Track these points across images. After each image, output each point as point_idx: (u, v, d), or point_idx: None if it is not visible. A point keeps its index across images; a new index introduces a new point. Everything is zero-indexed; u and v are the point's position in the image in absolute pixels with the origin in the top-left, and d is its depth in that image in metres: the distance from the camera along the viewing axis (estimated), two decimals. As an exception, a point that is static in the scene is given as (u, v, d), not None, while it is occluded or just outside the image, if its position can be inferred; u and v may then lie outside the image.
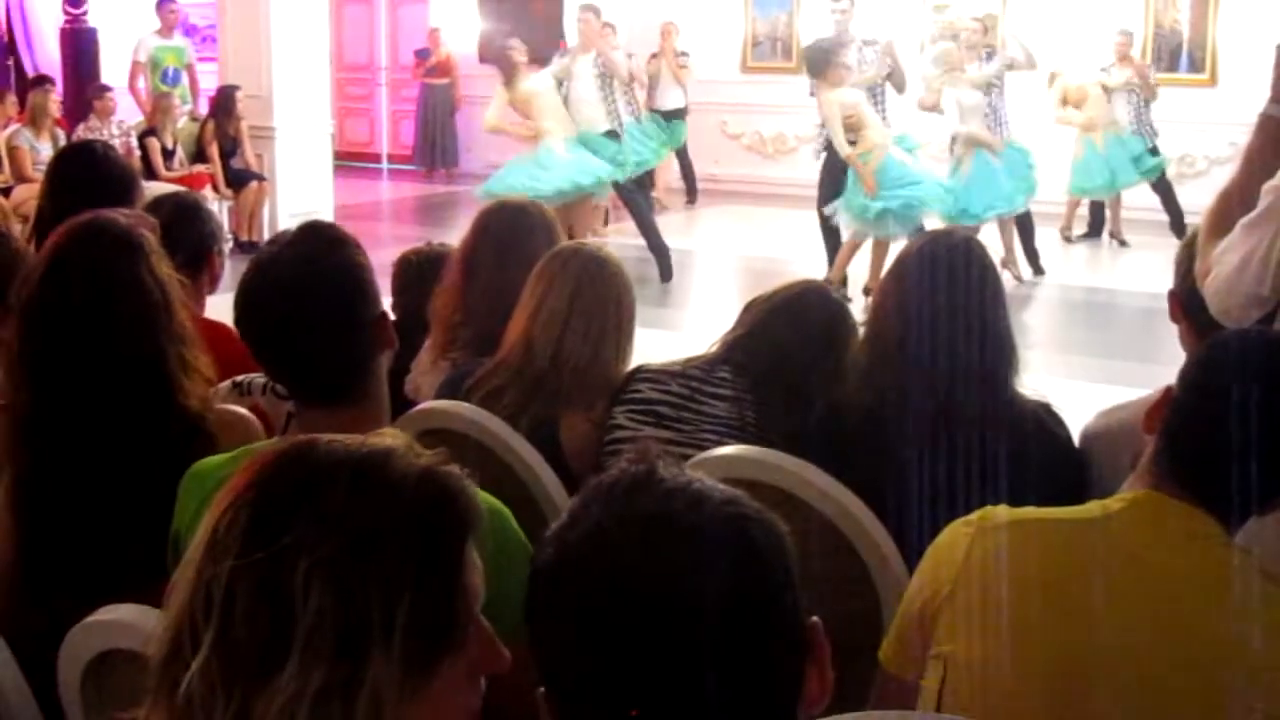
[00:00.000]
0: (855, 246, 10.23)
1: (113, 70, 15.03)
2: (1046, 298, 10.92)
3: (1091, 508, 2.02)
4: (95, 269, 2.65)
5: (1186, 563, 1.91)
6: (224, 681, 1.33)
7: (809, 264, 10.26)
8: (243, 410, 2.76)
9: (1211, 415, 1.93)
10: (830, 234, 10.49)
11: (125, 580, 2.40)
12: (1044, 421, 2.99)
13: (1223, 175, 2.72)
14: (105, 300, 2.63)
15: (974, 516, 2.01)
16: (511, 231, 3.63)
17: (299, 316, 2.30)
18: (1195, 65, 14.53)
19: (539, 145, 10.70)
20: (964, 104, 10.88)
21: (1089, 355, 8.67)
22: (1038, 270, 11.38)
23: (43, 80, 12.84)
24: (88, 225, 2.73)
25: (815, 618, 1.33)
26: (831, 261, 10.41)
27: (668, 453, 1.37)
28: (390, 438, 1.47)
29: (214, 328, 3.66)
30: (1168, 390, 2.04)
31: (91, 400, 2.60)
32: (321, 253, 2.35)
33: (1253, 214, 2.29)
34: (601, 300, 3.23)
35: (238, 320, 2.38)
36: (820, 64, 10.14)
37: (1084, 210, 13.41)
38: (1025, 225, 11.29)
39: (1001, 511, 2.00)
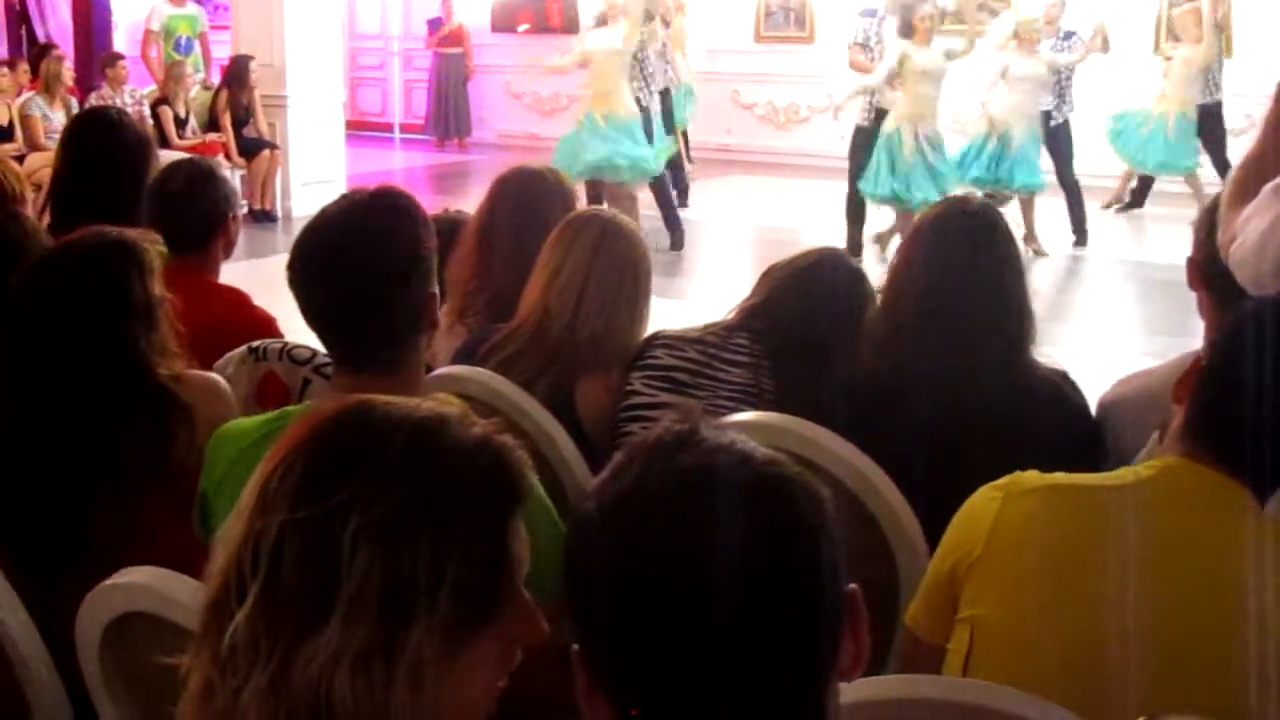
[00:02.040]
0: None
1: (125, 38, 15.03)
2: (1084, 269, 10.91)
3: (1123, 473, 2.01)
4: (86, 261, 2.68)
5: (1216, 531, 1.91)
6: (267, 633, 1.34)
7: (822, 233, 10.22)
8: (209, 375, 2.79)
9: (1242, 384, 1.92)
10: (855, 210, 10.47)
11: (102, 546, 2.44)
12: (1060, 389, 2.98)
13: (1240, 146, 2.70)
14: (90, 297, 2.65)
15: (1003, 481, 2.00)
16: (528, 197, 3.63)
17: (357, 278, 2.28)
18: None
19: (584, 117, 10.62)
20: (1014, 74, 10.80)
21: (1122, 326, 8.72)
22: (1081, 241, 11.32)
23: (53, 48, 12.81)
24: (95, 233, 2.77)
25: (853, 585, 1.31)
26: (852, 236, 10.37)
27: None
28: (446, 404, 1.47)
29: (230, 293, 3.67)
30: (1197, 359, 2.03)
31: (65, 383, 2.62)
32: (393, 221, 2.33)
33: (1277, 180, 2.28)
34: (618, 267, 3.22)
35: (291, 266, 2.33)
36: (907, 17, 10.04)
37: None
38: (1074, 196, 11.28)
39: (1031, 476, 1.99)
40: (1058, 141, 11.36)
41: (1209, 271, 2.74)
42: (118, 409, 2.61)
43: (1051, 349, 3.20)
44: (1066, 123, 11.47)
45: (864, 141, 10.29)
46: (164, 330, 2.72)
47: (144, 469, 2.58)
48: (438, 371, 3.19)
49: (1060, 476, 1.99)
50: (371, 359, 2.32)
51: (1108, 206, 12.82)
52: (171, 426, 2.61)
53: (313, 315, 2.36)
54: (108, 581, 2.03)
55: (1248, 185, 2.47)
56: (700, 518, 1.24)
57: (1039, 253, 10.70)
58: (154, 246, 2.84)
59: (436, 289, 2.39)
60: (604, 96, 10.52)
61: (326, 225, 2.32)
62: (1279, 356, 1.90)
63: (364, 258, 2.28)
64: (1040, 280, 9.77)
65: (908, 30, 9.97)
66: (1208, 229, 2.74)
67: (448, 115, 18.59)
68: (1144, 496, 1.93)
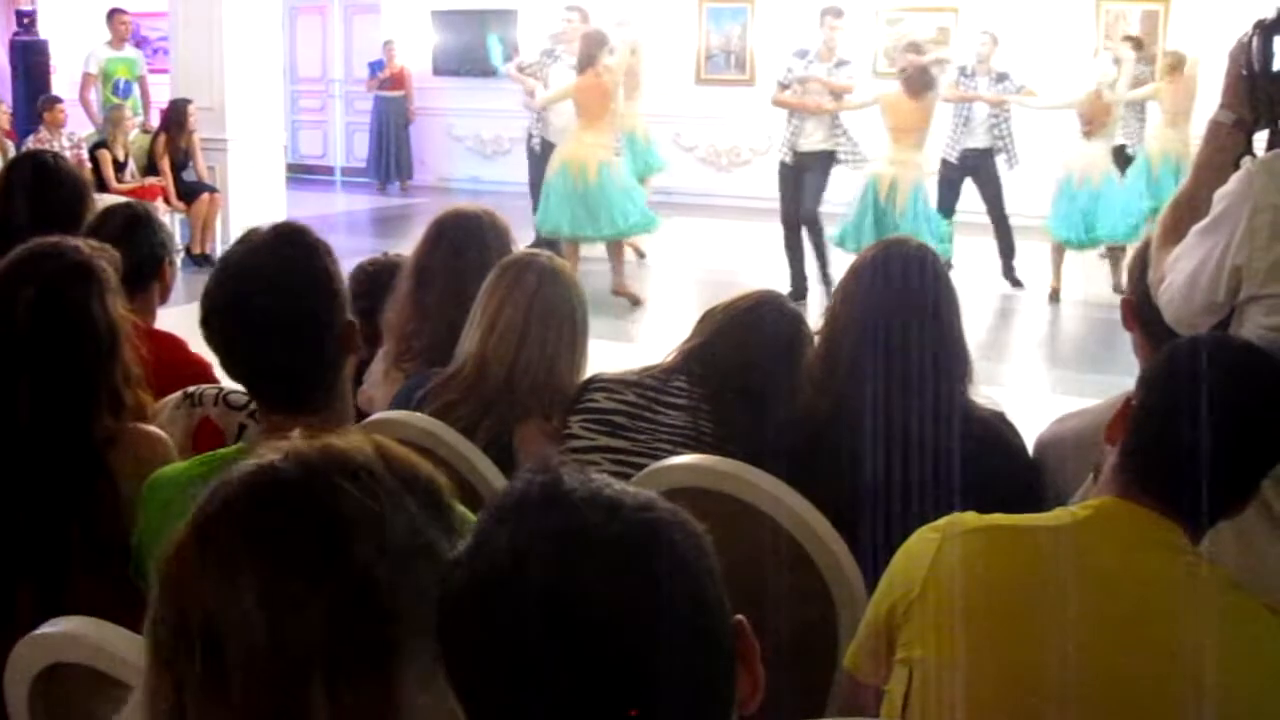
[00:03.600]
0: None
1: (63, 82, 14.93)
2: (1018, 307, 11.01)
3: (1059, 514, 2.02)
4: (45, 290, 2.62)
5: (1152, 571, 1.92)
6: None
7: (763, 276, 10.29)
8: (153, 430, 2.72)
9: (1173, 422, 1.93)
10: (794, 249, 10.57)
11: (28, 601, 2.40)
12: (997, 429, 3.00)
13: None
14: (47, 323, 2.60)
15: (941, 522, 2.01)
16: (464, 240, 3.61)
17: (274, 321, 2.27)
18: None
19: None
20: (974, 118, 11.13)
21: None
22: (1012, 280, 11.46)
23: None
24: (48, 247, 2.71)
25: (739, 616, 1.29)
26: (794, 276, 10.46)
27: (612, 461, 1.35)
28: (359, 440, 1.46)
29: (165, 338, 3.63)
30: (1127, 399, 2.04)
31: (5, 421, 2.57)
32: (298, 257, 2.32)
33: (1205, 221, 2.31)
34: (556, 312, 3.21)
35: (205, 322, 2.33)
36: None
37: None
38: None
39: (969, 518, 2.00)
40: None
41: (1143, 311, 2.77)
42: (49, 475, 2.55)
43: (989, 388, 3.21)
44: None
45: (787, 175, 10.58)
46: (125, 357, 2.66)
47: (73, 544, 2.52)
48: (375, 416, 3.18)
49: (998, 518, 2.00)
50: (301, 397, 2.31)
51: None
52: (100, 493, 2.54)
53: (235, 363, 2.36)
54: (35, 632, 2.00)
55: (1178, 226, 2.50)
56: (580, 580, 1.21)
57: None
58: (109, 256, 2.80)
59: (353, 317, 2.38)
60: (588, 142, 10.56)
61: (233, 273, 2.32)
62: (1208, 394, 1.92)
63: (277, 299, 2.27)
64: (976, 319, 9.86)
65: None
66: (1141, 269, 2.77)
67: (389, 158, 18.58)
68: (1080, 537, 1.93)
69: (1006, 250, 11.41)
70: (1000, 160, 11.51)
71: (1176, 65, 12.43)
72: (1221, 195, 2.34)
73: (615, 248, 10.63)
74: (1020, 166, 11.72)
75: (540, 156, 11.27)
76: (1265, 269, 2.21)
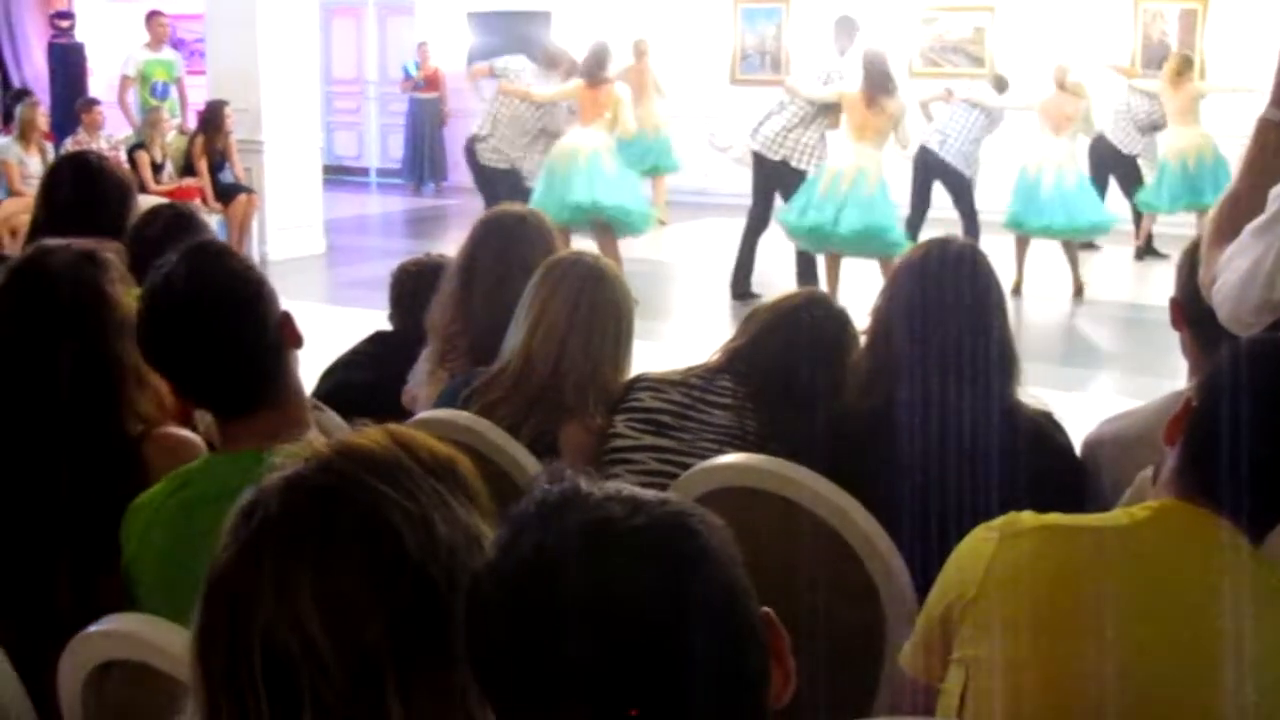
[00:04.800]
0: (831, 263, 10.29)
1: (101, 84, 15.02)
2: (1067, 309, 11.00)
3: (1118, 515, 2.01)
4: (59, 275, 2.66)
5: (1211, 574, 1.90)
6: None
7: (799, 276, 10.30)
8: (184, 434, 2.71)
9: (1234, 424, 1.92)
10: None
11: (62, 606, 2.40)
12: (1045, 429, 2.98)
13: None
14: (69, 303, 2.64)
15: (998, 522, 2.00)
16: (509, 241, 3.62)
17: (203, 330, 2.32)
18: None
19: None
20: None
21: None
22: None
23: (27, 93, 12.80)
24: (52, 244, 2.77)
25: (766, 608, 1.29)
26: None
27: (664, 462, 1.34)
28: (378, 436, 1.46)
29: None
30: (1187, 401, 2.03)
31: (32, 422, 2.59)
32: (211, 266, 2.37)
33: (1261, 219, 2.29)
34: (601, 311, 3.22)
35: (143, 349, 2.41)
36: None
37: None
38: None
39: (1026, 517, 1.99)
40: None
41: (1191, 311, 2.75)
42: (81, 470, 2.55)
43: (1036, 388, 3.20)
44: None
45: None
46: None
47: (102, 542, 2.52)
48: (420, 415, 3.18)
49: (1055, 518, 1.99)
50: (248, 398, 2.33)
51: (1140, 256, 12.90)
52: (137, 484, 2.51)
53: (180, 380, 2.40)
54: (90, 629, 2.01)
55: (1230, 225, 2.48)
56: (608, 574, 1.21)
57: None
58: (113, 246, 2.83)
59: (285, 309, 2.41)
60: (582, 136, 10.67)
61: (150, 300, 2.37)
62: (1269, 396, 1.90)
63: (202, 303, 2.32)
64: (1024, 320, 9.85)
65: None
66: (1189, 269, 2.75)
67: (423, 160, 18.62)
68: (1139, 539, 1.92)
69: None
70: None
71: (1182, 69, 12.44)
72: (1277, 194, 2.32)
73: (608, 244, 10.65)
74: (989, 164, 11.85)
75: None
76: None
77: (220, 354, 2.31)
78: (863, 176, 9.90)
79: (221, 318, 2.32)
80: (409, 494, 1.38)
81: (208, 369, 2.33)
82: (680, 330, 9.64)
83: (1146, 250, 12.86)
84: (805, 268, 10.47)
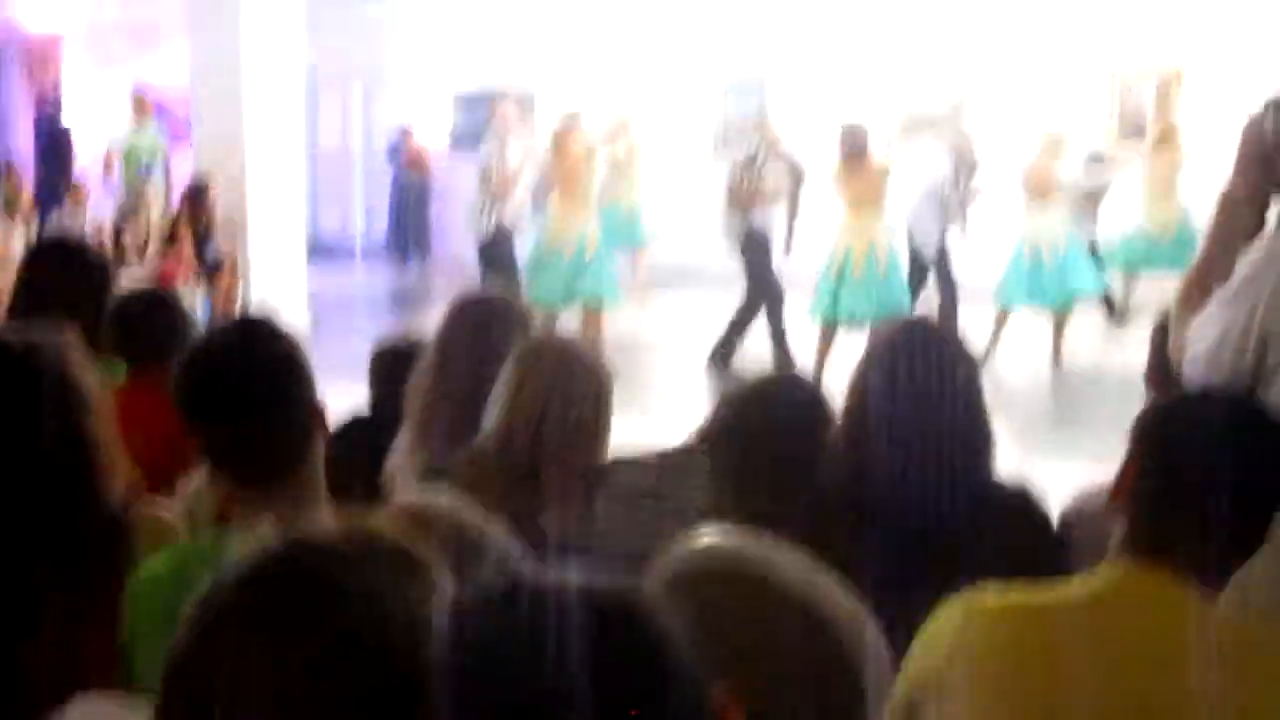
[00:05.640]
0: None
1: (86, 161, 15.08)
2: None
3: (1074, 585, 2.02)
4: (24, 357, 2.64)
5: (1170, 634, 1.92)
6: None
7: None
8: (160, 509, 2.75)
9: (1174, 480, 1.94)
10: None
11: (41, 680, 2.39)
12: (1022, 507, 2.99)
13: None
14: (36, 386, 2.62)
15: (961, 600, 2.00)
16: (485, 321, 3.63)
17: (246, 396, 2.42)
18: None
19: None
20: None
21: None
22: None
23: (12, 168, 12.85)
24: (18, 326, 2.86)
25: (723, 692, 1.29)
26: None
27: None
28: (336, 521, 1.47)
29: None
30: (1128, 463, 2.05)
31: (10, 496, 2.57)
32: (260, 338, 2.48)
33: (1227, 289, 2.32)
34: (579, 391, 3.22)
35: (178, 402, 2.47)
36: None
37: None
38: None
39: (989, 595, 2.00)
40: None
41: (1165, 380, 2.78)
42: (65, 547, 2.52)
43: (1014, 455, 3.21)
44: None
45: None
46: (107, 421, 2.66)
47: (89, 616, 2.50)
48: (399, 498, 3.17)
49: (1015, 595, 2.00)
50: (272, 470, 2.41)
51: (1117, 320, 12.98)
52: (120, 569, 2.50)
53: (209, 441, 2.47)
54: (61, 710, 2.00)
55: (1199, 293, 2.51)
56: (563, 660, 1.20)
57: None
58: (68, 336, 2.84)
59: (319, 399, 2.50)
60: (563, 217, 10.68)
61: (201, 355, 2.50)
62: (1209, 450, 1.92)
63: (244, 372, 2.42)
64: (1001, 387, 9.88)
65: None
66: (1161, 340, 2.78)
67: (409, 234, 18.69)
68: (1095, 608, 1.94)
69: (949, 308, 11.42)
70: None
71: (1167, 137, 12.60)
72: (1245, 264, 2.35)
73: (590, 319, 10.75)
74: (973, 233, 11.96)
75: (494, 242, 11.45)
76: None
77: (256, 422, 2.41)
78: (873, 254, 10.02)
79: (266, 388, 2.43)
80: (366, 583, 1.38)
81: (241, 434, 2.42)
82: (663, 405, 9.64)
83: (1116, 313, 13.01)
84: (781, 354, 10.55)
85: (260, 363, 2.44)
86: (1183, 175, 12.43)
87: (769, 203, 10.77)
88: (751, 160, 10.85)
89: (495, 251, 11.38)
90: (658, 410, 9.27)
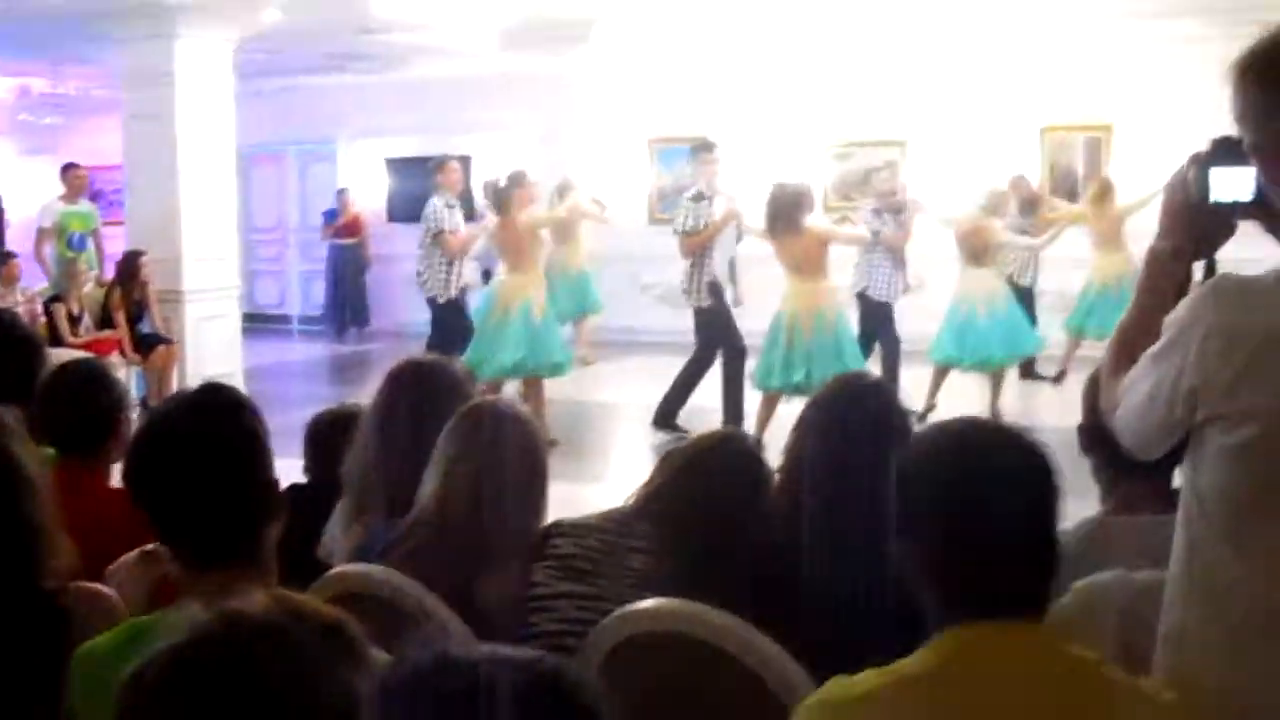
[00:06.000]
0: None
1: (18, 234, 14.97)
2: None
3: (914, 659, 2.05)
4: None
5: (1028, 684, 1.97)
6: None
7: (720, 413, 10.34)
8: (99, 588, 2.71)
9: (955, 526, 2.01)
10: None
11: None
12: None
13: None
14: None
15: (816, 698, 2.06)
16: (421, 390, 3.60)
17: (197, 476, 2.35)
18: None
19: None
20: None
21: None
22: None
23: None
24: None
25: None
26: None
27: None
28: (263, 599, 1.46)
29: (123, 494, 3.59)
30: (913, 541, 2.12)
31: None
32: (220, 415, 2.41)
33: (1157, 345, 2.34)
34: (515, 458, 3.20)
35: (132, 479, 2.42)
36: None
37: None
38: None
39: (834, 686, 2.04)
40: None
41: (1099, 438, 2.80)
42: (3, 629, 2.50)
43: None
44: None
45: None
46: (46, 501, 2.62)
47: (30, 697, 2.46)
48: (336, 569, 3.15)
49: (866, 677, 2.01)
50: (224, 550, 2.35)
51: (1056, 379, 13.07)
52: (61, 649, 2.46)
53: (163, 519, 2.42)
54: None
55: (1126, 353, 2.53)
56: None
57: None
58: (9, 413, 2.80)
59: (276, 477, 2.45)
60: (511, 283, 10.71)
61: (158, 433, 2.44)
62: (975, 484, 2.01)
63: (201, 451, 2.36)
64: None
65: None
66: (1093, 396, 2.80)
67: (345, 305, 18.64)
68: (937, 684, 1.98)
69: (892, 365, 11.42)
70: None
71: (1103, 193, 12.83)
72: (1172, 321, 2.37)
73: (533, 386, 10.71)
74: (911, 293, 12.01)
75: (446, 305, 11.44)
76: (1221, 388, 2.24)
77: (205, 500, 2.35)
78: (820, 320, 9.99)
79: (214, 464, 2.36)
80: (296, 659, 1.38)
81: (189, 513, 2.36)
82: (605, 471, 9.63)
83: (1052, 375, 13.12)
84: (733, 408, 10.52)
85: (220, 439, 2.38)
86: (1127, 228, 12.58)
87: (723, 233, 10.65)
88: (700, 195, 10.82)
89: (447, 315, 11.34)
90: (602, 474, 9.27)
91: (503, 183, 11.09)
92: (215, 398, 2.47)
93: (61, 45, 13.96)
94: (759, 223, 10.43)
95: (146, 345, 12.09)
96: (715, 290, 10.66)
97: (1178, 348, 2.30)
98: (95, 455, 3.62)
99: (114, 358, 11.11)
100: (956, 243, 11.41)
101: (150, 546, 3.08)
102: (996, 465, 2.06)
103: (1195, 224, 2.48)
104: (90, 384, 3.69)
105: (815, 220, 10.37)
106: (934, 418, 10.92)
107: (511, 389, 11.19)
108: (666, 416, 10.71)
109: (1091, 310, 12.87)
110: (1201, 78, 4.44)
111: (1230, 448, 2.22)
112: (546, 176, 14.38)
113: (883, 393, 3.08)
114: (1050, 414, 11.72)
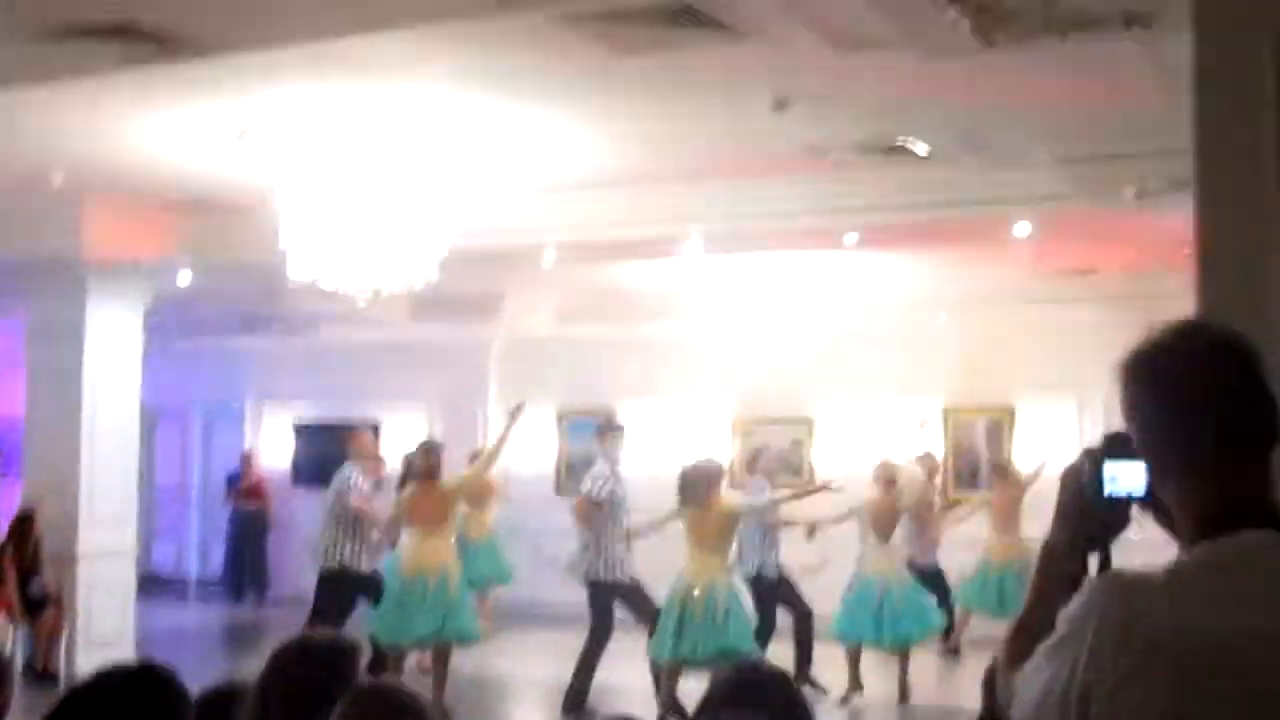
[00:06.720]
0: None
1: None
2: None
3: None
4: None
5: None
6: None
7: (631, 691, 10.17)
8: None
9: None
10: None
11: None
12: None
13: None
14: None
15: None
16: (307, 672, 3.49)
17: None
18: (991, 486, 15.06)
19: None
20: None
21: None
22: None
23: None
24: None
25: None
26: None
27: None
28: None
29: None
30: None
31: None
32: (150, 704, 2.36)
33: (1052, 639, 2.34)
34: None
35: None
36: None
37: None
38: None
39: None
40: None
41: (998, 721, 2.78)
42: None
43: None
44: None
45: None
46: None
47: None
48: None
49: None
50: None
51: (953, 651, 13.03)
52: None
53: None
54: None
55: (1025, 643, 2.52)
56: None
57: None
58: None
59: None
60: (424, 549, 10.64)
61: (84, 712, 2.31)
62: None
63: None
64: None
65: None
66: (991, 687, 2.78)
67: (244, 569, 18.32)
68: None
69: (804, 639, 11.43)
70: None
71: (1002, 474, 13.09)
72: (1066, 615, 2.38)
73: (439, 657, 10.52)
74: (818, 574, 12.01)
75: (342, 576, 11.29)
76: (1113, 682, 2.24)
77: None
78: (712, 597, 9.99)
79: None
80: None
81: None
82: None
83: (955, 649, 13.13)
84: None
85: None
86: (1023, 509, 12.75)
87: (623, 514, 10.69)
88: (607, 473, 10.87)
89: (341, 584, 11.16)
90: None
91: (420, 451, 11.08)
92: (144, 681, 2.46)
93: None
94: (662, 498, 10.53)
95: (35, 606, 11.77)
96: (608, 564, 10.67)
97: (1070, 645, 2.30)
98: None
99: (0, 619, 10.80)
100: (860, 520, 11.46)
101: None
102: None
103: (1090, 517, 2.51)
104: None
105: (725, 496, 10.46)
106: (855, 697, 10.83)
107: (413, 658, 10.99)
108: (576, 700, 10.53)
109: (985, 585, 12.97)
110: (1097, 363, 4.57)
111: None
112: (455, 445, 14.35)
113: (779, 683, 3.04)
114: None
